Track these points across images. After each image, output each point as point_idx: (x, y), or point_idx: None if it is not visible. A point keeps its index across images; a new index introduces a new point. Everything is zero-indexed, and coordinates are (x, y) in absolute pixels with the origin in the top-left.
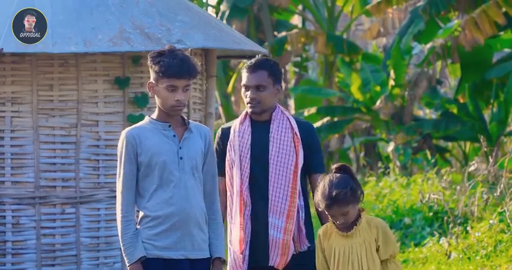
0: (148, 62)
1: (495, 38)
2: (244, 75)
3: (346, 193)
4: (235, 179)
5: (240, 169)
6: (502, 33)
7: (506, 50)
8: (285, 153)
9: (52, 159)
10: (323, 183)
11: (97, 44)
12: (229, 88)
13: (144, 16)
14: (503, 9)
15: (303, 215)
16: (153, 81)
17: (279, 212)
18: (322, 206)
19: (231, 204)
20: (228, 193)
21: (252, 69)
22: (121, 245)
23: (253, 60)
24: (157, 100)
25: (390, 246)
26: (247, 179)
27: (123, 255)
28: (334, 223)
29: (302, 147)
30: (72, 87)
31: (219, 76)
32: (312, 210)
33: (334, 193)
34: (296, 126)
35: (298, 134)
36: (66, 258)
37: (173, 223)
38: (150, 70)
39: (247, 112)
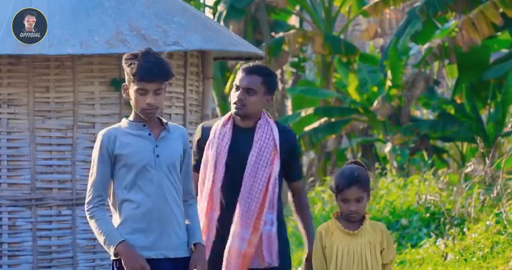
0: (123, 63)
1: (492, 39)
2: (239, 75)
3: (367, 176)
4: (207, 180)
5: (214, 172)
6: (499, 33)
7: (504, 50)
8: (262, 165)
9: (48, 161)
10: (341, 169)
11: (93, 45)
12: (227, 89)
13: (141, 18)
14: (500, 10)
15: (275, 229)
16: (126, 83)
17: (246, 223)
18: (340, 187)
19: (200, 204)
20: (199, 193)
21: (248, 71)
22: (99, 234)
23: (252, 63)
24: (131, 102)
25: (392, 251)
26: (220, 183)
27: (104, 243)
28: (339, 219)
29: (280, 157)
30: (68, 89)
31: (216, 77)
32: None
33: (356, 173)
34: (278, 137)
35: (278, 145)
36: (63, 260)
37: (150, 222)
38: (124, 72)
39: (231, 115)
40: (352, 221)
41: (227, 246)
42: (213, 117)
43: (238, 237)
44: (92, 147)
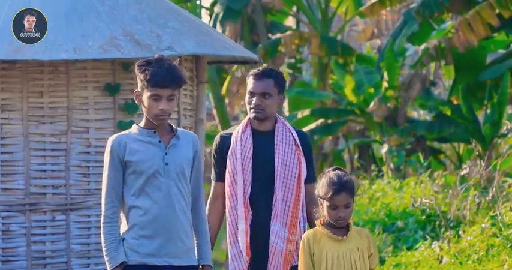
0: (136, 70)
1: (489, 39)
2: (251, 82)
3: (353, 182)
4: (239, 187)
5: (243, 177)
6: (495, 34)
7: (500, 51)
8: (290, 165)
9: (42, 166)
10: (327, 175)
11: (87, 50)
12: (223, 90)
13: (135, 23)
14: (497, 11)
15: (305, 225)
16: (139, 90)
17: (282, 222)
18: (328, 194)
19: (231, 211)
20: (227, 200)
21: (260, 76)
22: (103, 248)
23: (260, 68)
24: (143, 108)
25: (377, 256)
26: (250, 187)
27: (105, 259)
28: (325, 225)
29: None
30: (62, 94)
31: (212, 79)
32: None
33: (344, 179)
34: (297, 137)
35: (299, 145)
36: (57, 265)
37: (156, 229)
38: (138, 78)
39: (248, 120)
40: (339, 227)
41: (270, 245)
42: (208, 119)
43: (274, 236)
44: (86, 152)
